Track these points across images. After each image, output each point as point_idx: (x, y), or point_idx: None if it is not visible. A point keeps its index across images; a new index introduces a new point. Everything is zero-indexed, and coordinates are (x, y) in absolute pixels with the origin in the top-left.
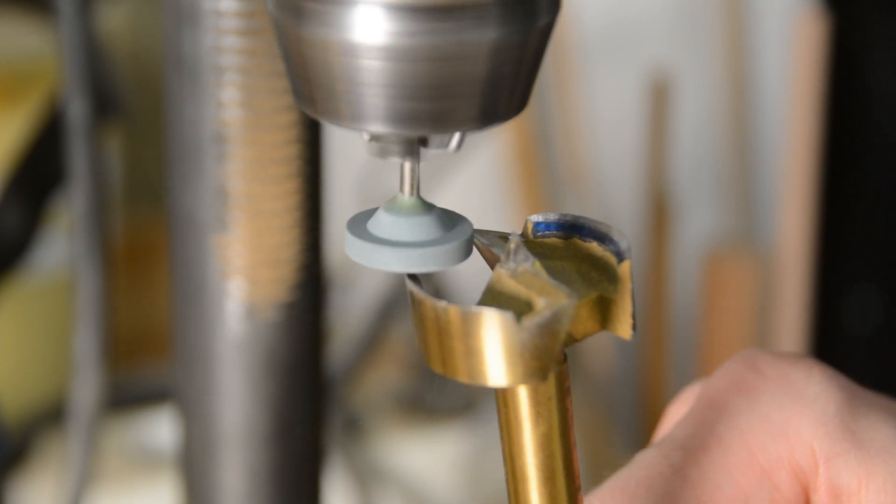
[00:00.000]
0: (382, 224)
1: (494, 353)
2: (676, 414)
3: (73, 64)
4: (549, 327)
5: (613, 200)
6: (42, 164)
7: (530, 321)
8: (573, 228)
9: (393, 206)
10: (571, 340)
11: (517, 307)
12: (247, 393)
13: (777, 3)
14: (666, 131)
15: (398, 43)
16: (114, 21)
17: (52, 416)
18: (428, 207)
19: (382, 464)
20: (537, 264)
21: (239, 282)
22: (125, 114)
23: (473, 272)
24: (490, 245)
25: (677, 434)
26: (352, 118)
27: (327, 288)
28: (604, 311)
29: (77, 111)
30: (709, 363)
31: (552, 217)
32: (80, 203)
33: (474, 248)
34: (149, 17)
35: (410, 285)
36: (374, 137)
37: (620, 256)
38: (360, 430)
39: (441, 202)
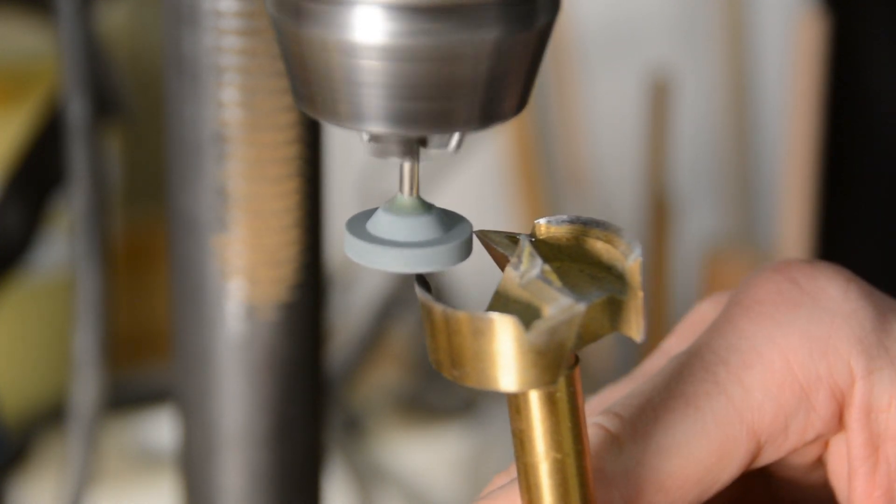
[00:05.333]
0: (382, 224)
1: (504, 357)
2: (705, 316)
3: (73, 64)
4: (558, 332)
5: (613, 200)
6: (42, 164)
7: (539, 326)
8: (582, 230)
9: (392, 207)
10: (582, 343)
11: (527, 312)
12: (247, 393)
13: (777, 3)
14: (666, 131)
15: (397, 43)
16: (114, 21)
17: (52, 416)
18: (427, 207)
19: (382, 464)
20: (546, 270)
21: (239, 282)
22: (125, 114)
23: (474, 272)
24: (498, 246)
25: (715, 343)
26: (351, 118)
27: (327, 288)
28: (614, 313)
29: (77, 111)
30: None
31: (561, 218)
32: (80, 203)
33: (482, 247)
34: (149, 17)
35: (420, 292)
36: (374, 137)
37: (630, 257)
38: (360, 427)
39: (441, 202)
